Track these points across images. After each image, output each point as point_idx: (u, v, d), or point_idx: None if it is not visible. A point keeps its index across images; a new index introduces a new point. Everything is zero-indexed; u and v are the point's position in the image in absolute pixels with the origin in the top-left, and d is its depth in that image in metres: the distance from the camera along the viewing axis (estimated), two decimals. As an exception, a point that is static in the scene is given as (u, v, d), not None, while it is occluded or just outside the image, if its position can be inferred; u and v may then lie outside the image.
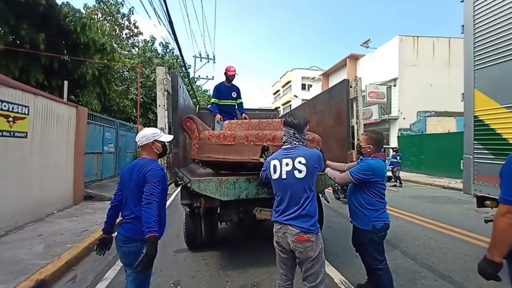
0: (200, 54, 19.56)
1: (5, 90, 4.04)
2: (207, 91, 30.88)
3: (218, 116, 4.35)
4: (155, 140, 1.87)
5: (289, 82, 34.97)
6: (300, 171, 1.74)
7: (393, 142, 14.90)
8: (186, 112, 3.88)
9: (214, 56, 19.75)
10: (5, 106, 4.01)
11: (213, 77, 23.57)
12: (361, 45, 17.69)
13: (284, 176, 1.78)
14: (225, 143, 2.90)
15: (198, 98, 21.23)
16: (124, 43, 18.72)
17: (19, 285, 2.48)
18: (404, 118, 15.36)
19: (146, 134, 1.86)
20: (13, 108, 4.17)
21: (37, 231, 4.05)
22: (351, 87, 3.20)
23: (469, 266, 3.08)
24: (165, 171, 1.85)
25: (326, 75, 23.50)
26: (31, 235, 3.89)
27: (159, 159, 1.97)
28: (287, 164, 1.77)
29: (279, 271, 1.89)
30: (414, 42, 15.55)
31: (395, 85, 15.59)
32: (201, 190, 2.71)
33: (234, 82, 4.82)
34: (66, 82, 6.48)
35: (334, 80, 20.64)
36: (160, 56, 18.11)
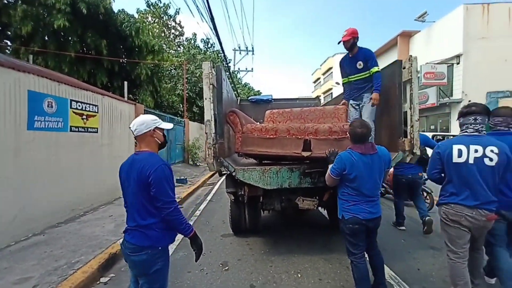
0: (239, 47, 19.85)
1: (79, 92, 4.72)
2: (247, 84, 31.35)
3: (342, 102, 3.71)
4: (156, 128, 1.59)
5: (330, 68, 33.11)
6: (491, 159, 1.89)
7: (455, 130, 13.13)
8: (230, 104, 4.02)
9: (253, 48, 19.90)
10: (79, 105, 4.70)
11: (252, 69, 23.79)
12: (415, 19, 15.67)
13: (471, 161, 1.92)
14: (267, 136, 2.94)
15: (238, 91, 21.70)
16: (171, 43, 19.97)
17: (97, 257, 2.96)
18: (469, 101, 13.28)
19: (145, 121, 1.54)
20: (85, 107, 4.86)
21: (108, 212, 4.74)
22: (404, 68, 2.92)
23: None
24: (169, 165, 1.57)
25: (373, 58, 21.60)
26: (103, 215, 4.57)
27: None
28: (476, 151, 1.92)
29: (458, 243, 2.01)
30: (483, 10, 13.19)
31: (458, 63, 13.55)
32: (245, 179, 2.82)
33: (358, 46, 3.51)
34: (125, 83, 7.29)
35: (382, 62, 18.53)
36: (202, 52, 18.89)
